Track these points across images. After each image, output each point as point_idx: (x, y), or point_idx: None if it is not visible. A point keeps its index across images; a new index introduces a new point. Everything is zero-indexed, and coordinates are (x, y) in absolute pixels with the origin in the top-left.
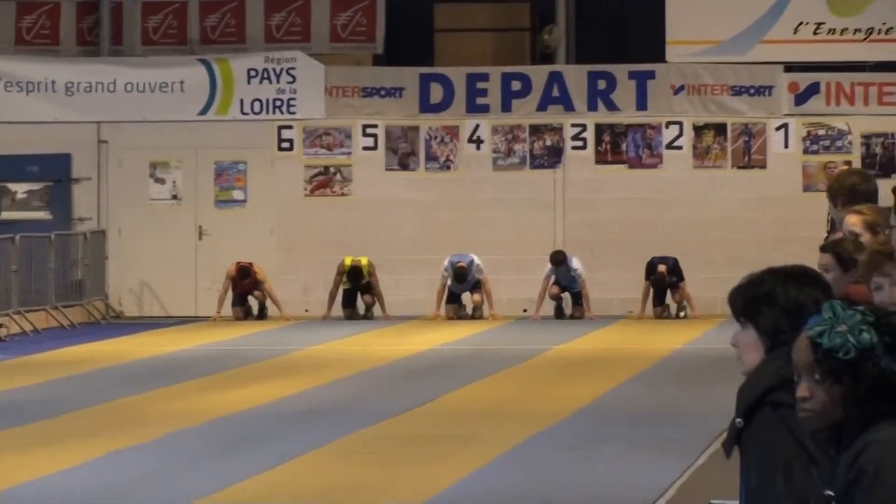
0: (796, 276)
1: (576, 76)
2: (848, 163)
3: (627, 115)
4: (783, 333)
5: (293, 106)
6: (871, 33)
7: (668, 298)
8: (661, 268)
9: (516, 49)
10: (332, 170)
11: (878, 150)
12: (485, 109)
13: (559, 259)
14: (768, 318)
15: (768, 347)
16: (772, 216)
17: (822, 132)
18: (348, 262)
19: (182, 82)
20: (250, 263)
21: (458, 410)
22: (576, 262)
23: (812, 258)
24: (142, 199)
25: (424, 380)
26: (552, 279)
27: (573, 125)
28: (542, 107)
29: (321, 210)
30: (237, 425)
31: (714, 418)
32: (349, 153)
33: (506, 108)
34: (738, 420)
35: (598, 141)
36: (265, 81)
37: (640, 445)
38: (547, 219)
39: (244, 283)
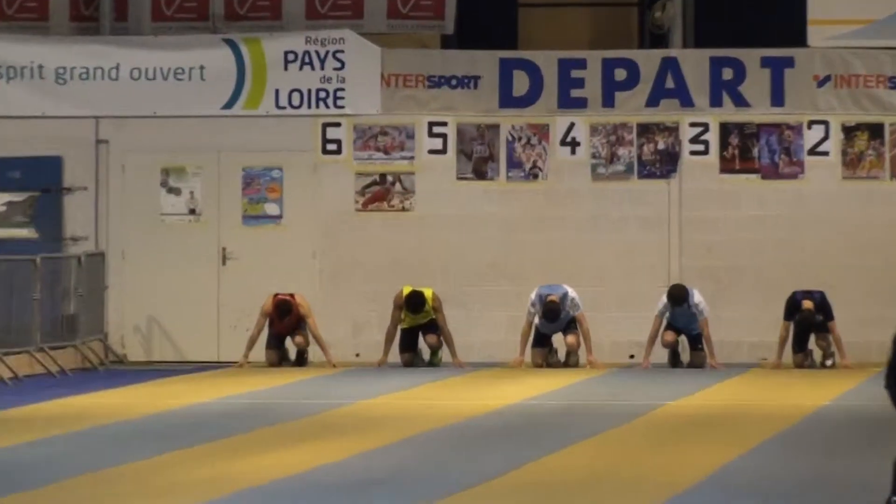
0: None
1: (695, 63)
2: None
3: (760, 113)
4: None
5: (341, 98)
6: None
7: (812, 342)
8: (807, 304)
9: (620, 29)
10: (389, 178)
11: None
12: (581, 104)
13: (680, 296)
14: None
15: None
16: None
17: None
18: (407, 292)
19: (202, 68)
20: (291, 295)
21: (546, 482)
22: (696, 297)
23: None
24: (151, 213)
25: (503, 444)
26: (666, 319)
27: (692, 124)
28: (652, 101)
29: (375, 229)
30: (266, 499)
31: (865, 495)
32: (411, 158)
33: (607, 102)
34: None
35: (724, 144)
36: (306, 67)
37: None
38: (659, 241)
39: (284, 320)
